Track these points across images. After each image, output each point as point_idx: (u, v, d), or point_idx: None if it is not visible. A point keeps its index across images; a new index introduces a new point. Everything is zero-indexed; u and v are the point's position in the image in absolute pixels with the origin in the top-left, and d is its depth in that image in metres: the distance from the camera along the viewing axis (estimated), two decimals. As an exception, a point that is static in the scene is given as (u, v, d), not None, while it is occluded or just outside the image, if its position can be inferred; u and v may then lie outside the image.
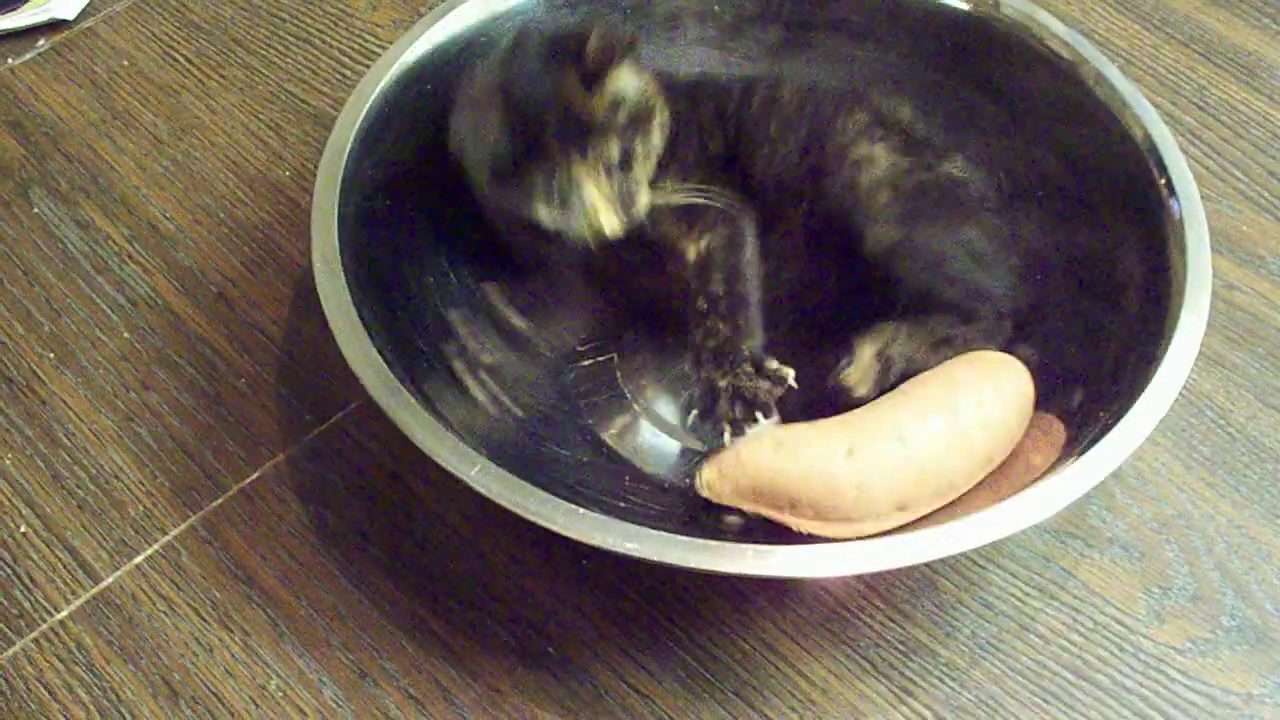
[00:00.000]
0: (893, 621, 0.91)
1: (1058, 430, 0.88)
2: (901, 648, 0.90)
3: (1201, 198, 0.93)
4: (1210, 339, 1.04)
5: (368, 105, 0.98)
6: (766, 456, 0.86)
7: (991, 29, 1.05)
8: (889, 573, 0.92)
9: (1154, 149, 0.95)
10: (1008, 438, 0.88)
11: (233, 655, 0.89)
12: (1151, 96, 1.21)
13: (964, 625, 0.90)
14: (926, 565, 0.92)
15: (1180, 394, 0.84)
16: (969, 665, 0.89)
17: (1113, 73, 0.99)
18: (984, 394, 0.88)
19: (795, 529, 0.85)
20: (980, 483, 0.87)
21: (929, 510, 0.85)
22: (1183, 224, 0.91)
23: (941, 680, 0.88)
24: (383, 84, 1.00)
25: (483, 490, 0.79)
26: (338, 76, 1.24)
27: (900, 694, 0.88)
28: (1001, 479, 0.87)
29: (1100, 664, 0.89)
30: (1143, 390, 0.84)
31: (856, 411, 0.88)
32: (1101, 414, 0.85)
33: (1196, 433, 1.00)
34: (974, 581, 0.92)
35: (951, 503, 0.87)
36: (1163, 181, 0.94)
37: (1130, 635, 0.90)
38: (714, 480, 0.86)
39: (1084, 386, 0.91)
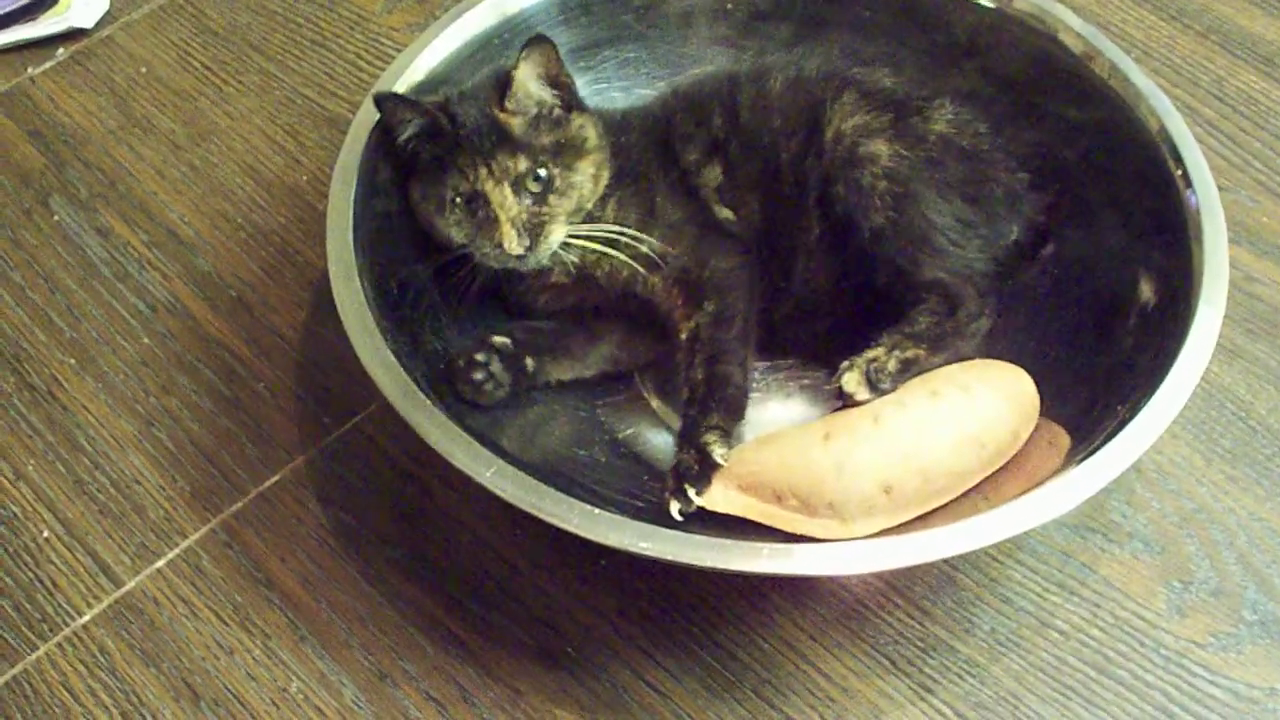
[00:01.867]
0: (912, 618, 0.90)
1: (1064, 441, 0.88)
2: (921, 644, 0.89)
3: (1220, 189, 0.93)
4: (1231, 330, 1.03)
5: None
6: (749, 452, 0.87)
7: (1006, 23, 1.04)
8: (908, 570, 0.92)
9: (1170, 141, 0.95)
10: (1001, 425, 0.88)
11: (254, 658, 0.90)
12: (1169, 88, 1.20)
13: (983, 621, 0.90)
14: (945, 562, 0.92)
15: (1200, 387, 0.84)
16: (989, 661, 0.88)
17: (1128, 65, 0.98)
18: (968, 382, 0.88)
19: (786, 529, 0.85)
20: (987, 479, 0.87)
21: (915, 493, 0.85)
22: (1199, 216, 0.91)
23: (961, 677, 0.88)
24: (397, 88, 1.00)
25: (498, 491, 0.79)
26: (354, 80, 1.24)
27: (920, 691, 0.87)
28: (1006, 478, 0.87)
29: (1121, 659, 0.88)
30: (1161, 383, 0.83)
31: (840, 409, 0.90)
32: (1119, 408, 0.85)
33: (1217, 425, 0.99)
34: (993, 577, 0.92)
35: (954, 496, 0.87)
36: (1179, 174, 0.93)
37: (1151, 630, 0.90)
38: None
39: (1095, 382, 0.90)
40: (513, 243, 0.91)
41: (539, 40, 0.94)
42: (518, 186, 0.92)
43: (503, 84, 0.94)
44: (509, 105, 0.93)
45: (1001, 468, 0.88)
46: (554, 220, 0.93)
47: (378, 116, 0.96)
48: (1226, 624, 0.90)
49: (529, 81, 0.94)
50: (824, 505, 0.84)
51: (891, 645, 0.89)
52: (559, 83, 0.96)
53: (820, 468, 0.84)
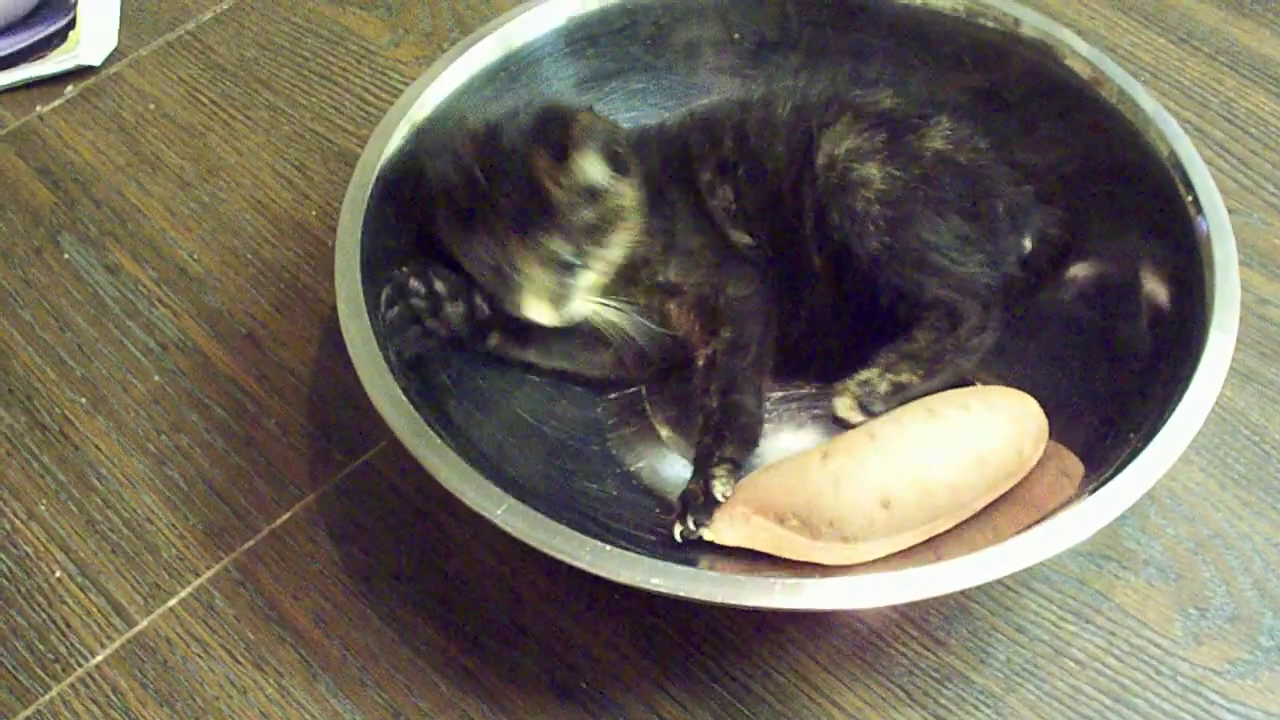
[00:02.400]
0: (927, 649, 0.90)
1: (1076, 469, 0.87)
2: (936, 675, 0.89)
3: (1231, 211, 0.92)
4: (1243, 355, 1.03)
5: (390, 144, 0.99)
6: (753, 478, 0.88)
7: (1013, 48, 1.04)
8: (922, 601, 0.91)
9: (1179, 166, 0.94)
10: (1002, 442, 0.88)
11: (267, 696, 0.90)
12: (1178, 110, 1.20)
13: (999, 651, 0.90)
14: (960, 592, 0.91)
15: (1214, 411, 0.84)
16: (1004, 691, 0.88)
17: (1136, 90, 0.98)
18: (967, 401, 0.89)
19: (791, 556, 0.85)
20: (997, 504, 0.88)
21: (915, 508, 0.85)
22: (1210, 241, 0.90)
23: (977, 707, 0.87)
24: (405, 121, 1.00)
25: (509, 529, 0.79)
26: (362, 114, 1.24)
27: (936, 722, 0.87)
28: (1017, 506, 0.87)
29: (1138, 688, 0.88)
30: (1174, 409, 0.83)
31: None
32: (1131, 435, 0.85)
33: (1231, 450, 0.99)
34: (1008, 606, 0.91)
35: (959, 515, 0.87)
36: (1189, 199, 0.93)
37: (1167, 658, 0.89)
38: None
39: (1108, 408, 0.90)
40: (537, 312, 0.92)
41: (591, 117, 0.91)
42: (548, 262, 0.91)
43: (556, 154, 0.90)
44: (562, 181, 0.90)
45: (1011, 495, 0.88)
46: (580, 289, 0.93)
47: (386, 151, 0.96)
48: (1243, 651, 0.90)
49: (587, 163, 0.90)
50: (825, 524, 0.84)
51: (906, 676, 0.89)
52: (616, 157, 0.92)
53: (818, 485, 0.85)
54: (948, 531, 0.87)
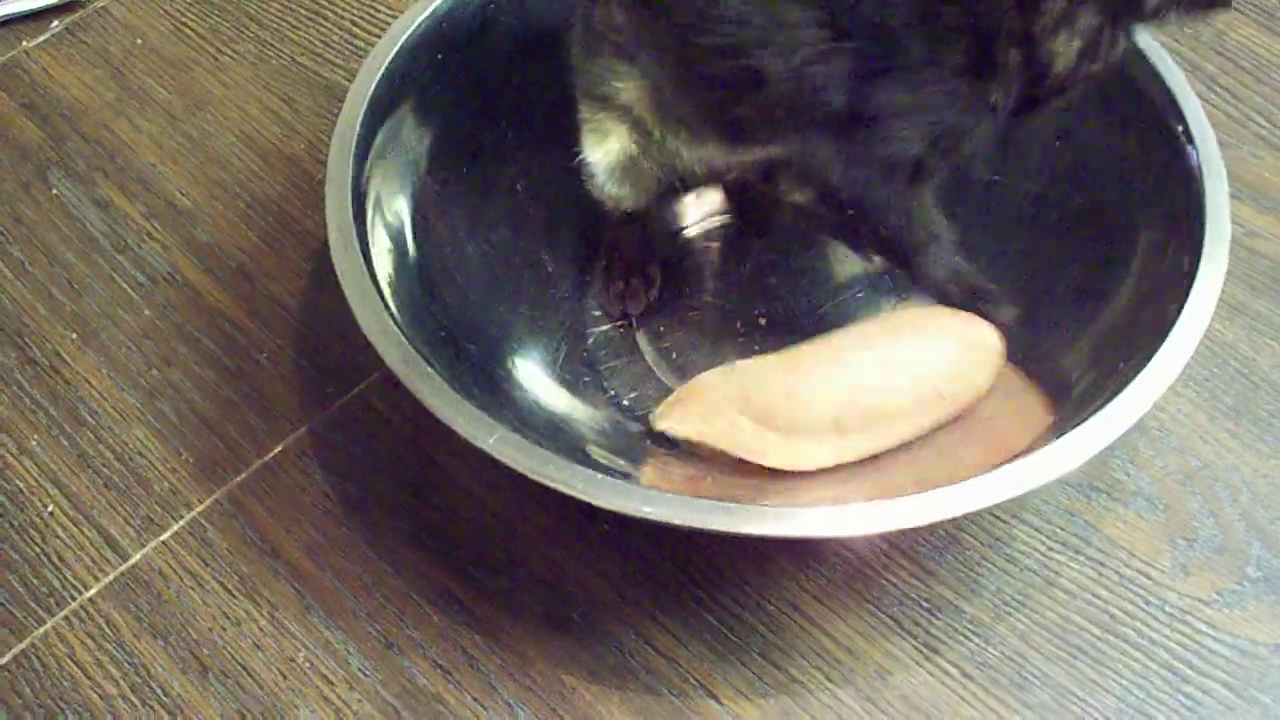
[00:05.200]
0: (917, 579, 0.91)
1: (1038, 415, 0.89)
2: (926, 605, 0.90)
3: (1222, 144, 0.92)
4: (1232, 287, 1.03)
5: (378, 76, 0.98)
6: (715, 377, 0.91)
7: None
8: (912, 531, 0.92)
9: (1170, 96, 0.94)
10: (958, 376, 0.89)
11: (260, 628, 0.90)
12: (1169, 44, 1.19)
13: (989, 581, 0.90)
14: (949, 522, 0.91)
15: (1203, 344, 0.84)
16: (994, 621, 0.89)
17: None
18: (927, 325, 0.91)
19: (739, 454, 0.88)
20: (949, 433, 0.90)
21: (863, 432, 0.87)
22: (1201, 172, 0.90)
23: (967, 637, 0.88)
24: (393, 54, 0.99)
25: (500, 457, 0.79)
26: (349, 48, 1.24)
27: (926, 651, 0.88)
28: (973, 442, 0.89)
29: (1126, 617, 0.89)
30: (1163, 340, 0.83)
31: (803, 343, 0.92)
32: (1120, 364, 0.85)
33: (1220, 382, 1.00)
34: (998, 537, 0.92)
35: (906, 434, 0.89)
36: (1180, 129, 0.93)
37: (1156, 588, 0.90)
38: (666, 409, 0.91)
39: (1097, 338, 0.91)
40: None
41: None
42: None
43: None
44: None
45: (975, 430, 0.90)
46: None
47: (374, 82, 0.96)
48: (1231, 581, 0.91)
49: None
50: (775, 429, 0.87)
51: (897, 606, 0.90)
52: None
53: (775, 394, 0.88)
54: (905, 460, 0.89)
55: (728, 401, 0.88)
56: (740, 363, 0.92)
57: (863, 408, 0.87)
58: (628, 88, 0.91)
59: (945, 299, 0.93)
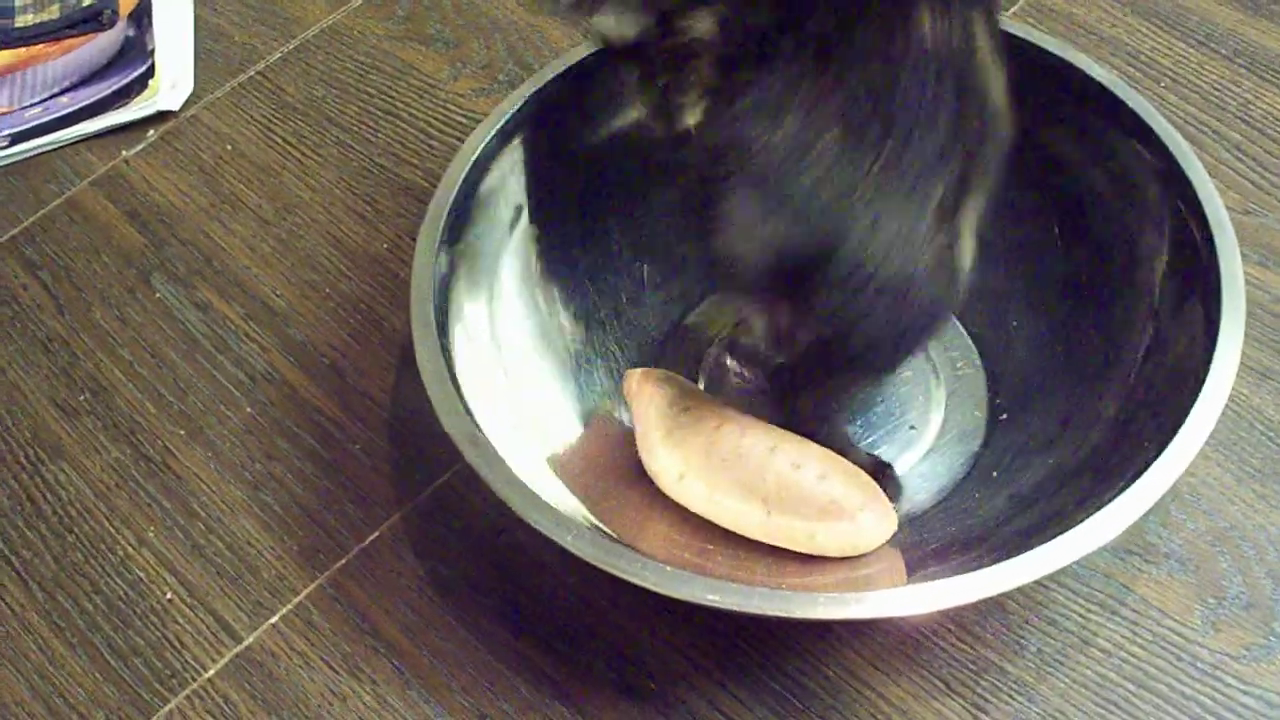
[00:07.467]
0: (964, 643, 0.97)
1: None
2: (973, 667, 0.96)
3: (1248, 212, 0.99)
4: (1260, 354, 1.09)
5: (458, 183, 1.04)
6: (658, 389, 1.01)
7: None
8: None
9: (1180, 172, 0.98)
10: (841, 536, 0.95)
11: (365, 703, 0.98)
12: (1197, 114, 1.26)
13: (1031, 643, 0.97)
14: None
15: (1230, 408, 0.90)
16: (1036, 680, 0.95)
17: (1149, 112, 1.02)
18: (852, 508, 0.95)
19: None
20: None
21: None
22: (1214, 241, 0.95)
23: (1011, 696, 0.95)
24: (474, 156, 1.05)
25: (578, 553, 0.87)
26: (425, 148, 1.32)
27: (974, 710, 0.95)
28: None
29: (1160, 674, 0.95)
30: (1190, 409, 0.88)
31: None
32: (1146, 443, 0.90)
33: (1247, 445, 1.05)
34: (1039, 601, 0.99)
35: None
36: (1191, 205, 0.97)
37: (1187, 645, 0.96)
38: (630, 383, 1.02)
39: (1123, 412, 0.97)
40: None
41: None
42: None
43: None
44: None
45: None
46: None
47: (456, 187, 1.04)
48: (1258, 636, 0.97)
49: None
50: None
51: (946, 669, 0.97)
52: None
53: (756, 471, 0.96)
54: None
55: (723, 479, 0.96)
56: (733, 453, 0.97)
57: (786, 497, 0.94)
58: None
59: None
